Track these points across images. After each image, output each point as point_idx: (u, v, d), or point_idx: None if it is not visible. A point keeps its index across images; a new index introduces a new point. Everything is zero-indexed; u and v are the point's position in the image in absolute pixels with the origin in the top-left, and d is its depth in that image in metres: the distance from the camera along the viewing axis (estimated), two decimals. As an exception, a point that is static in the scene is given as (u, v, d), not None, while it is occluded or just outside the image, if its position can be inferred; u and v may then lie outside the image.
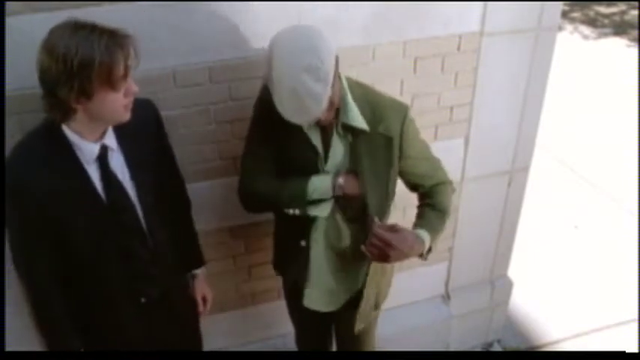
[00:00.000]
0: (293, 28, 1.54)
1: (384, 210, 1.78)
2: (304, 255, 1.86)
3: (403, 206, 1.97)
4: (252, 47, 1.93)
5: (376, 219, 1.66)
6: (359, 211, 1.77)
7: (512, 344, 3.12)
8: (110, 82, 1.38)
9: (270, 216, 2.02)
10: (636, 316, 3.31)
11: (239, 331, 2.51)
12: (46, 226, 1.52)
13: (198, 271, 1.96)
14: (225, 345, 2.47)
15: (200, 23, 1.83)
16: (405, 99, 2.19)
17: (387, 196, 1.77)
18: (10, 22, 1.63)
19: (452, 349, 2.97)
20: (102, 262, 1.62)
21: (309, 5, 1.77)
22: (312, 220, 1.80)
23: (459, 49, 2.20)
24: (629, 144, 4.98)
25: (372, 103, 1.70)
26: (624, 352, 3.05)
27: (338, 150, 1.72)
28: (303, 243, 1.84)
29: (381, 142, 1.70)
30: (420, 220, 1.79)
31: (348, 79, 1.71)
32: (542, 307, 3.37)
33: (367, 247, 1.63)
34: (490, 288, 2.89)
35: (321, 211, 1.76)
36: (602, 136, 5.14)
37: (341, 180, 1.71)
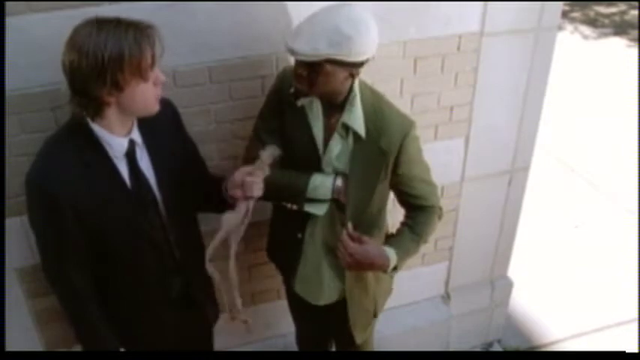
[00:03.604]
0: (360, 9, 1.56)
1: (360, 217, 1.78)
2: (299, 247, 1.88)
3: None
4: (252, 47, 1.93)
5: (350, 225, 1.68)
6: (357, 209, 1.79)
7: (512, 344, 3.12)
8: (140, 72, 1.41)
9: (269, 216, 2.02)
10: (636, 316, 3.31)
11: (239, 331, 2.51)
12: (79, 225, 1.52)
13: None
14: (225, 345, 2.47)
15: (200, 23, 1.83)
16: (405, 99, 2.20)
17: (367, 206, 1.78)
18: (10, 22, 1.63)
19: (452, 349, 2.97)
20: (131, 258, 1.63)
21: (309, 5, 1.77)
22: (309, 213, 1.81)
23: (459, 49, 2.20)
24: (629, 144, 4.98)
25: (379, 113, 1.71)
26: (624, 352, 3.05)
27: (335, 148, 1.73)
28: (299, 235, 1.86)
29: (376, 153, 1.71)
30: (395, 239, 1.83)
31: (363, 84, 1.73)
32: (542, 307, 3.37)
33: (337, 251, 1.69)
34: (490, 288, 2.89)
35: (318, 210, 1.77)
36: (602, 136, 5.14)
37: (339, 183, 1.73)
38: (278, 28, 1.92)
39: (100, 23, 1.38)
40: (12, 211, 1.87)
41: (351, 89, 1.67)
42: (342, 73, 1.58)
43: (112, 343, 1.67)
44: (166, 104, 1.64)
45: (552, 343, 3.18)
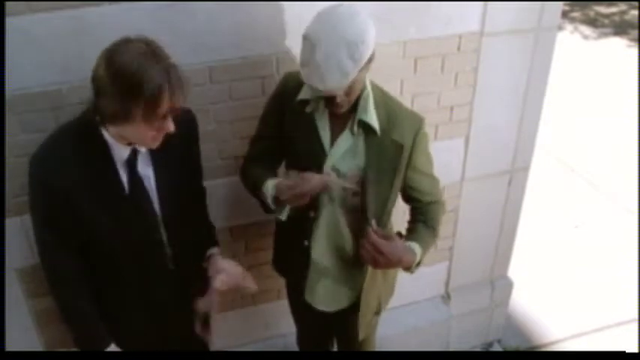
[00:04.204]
0: (349, 4, 1.55)
1: (381, 215, 1.78)
2: (306, 254, 1.86)
3: (403, 211, 1.98)
4: (252, 48, 1.93)
5: (373, 222, 1.68)
6: (359, 214, 1.78)
7: (512, 344, 3.12)
8: (149, 119, 1.41)
9: (269, 216, 2.02)
10: (636, 316, 3.31)
11: (239, 331, 2.51)
12: (76, 220, 1.52)
13: (214, 250, 1.83)
14: (226, 345, 2.47)
15: (200, 23, 1.83)
16: (405, 99, 2.20)
17: (387, 202, 1.78)
18: (10, 22, 1.63)
19: (452, 349, 2.97)
20: (127, 258, 1.64)
21: (309, 5, 1.77)
22: (314, 220, 1.81)
23: (459, 49, 2.20)
24: (629, 144, 4.98)
25: (389, 109, 1.72)
26: (624, 352, 3.05)
27: (343, 146, 1.72)
28: (305, 243, 1.84)
29: (391, 148, 1.71)
30: (413, 234, 1.82)
31: (371, 82, 1.73)
32: (542, 307, 3.37)
33: (360, 249, 1.67)
34: (490, 288, 2.89)
35: (280, 214, 1.75)
36: (602, 136, 5.14)
37: (272, 192, 1.70)
38: (278, 28, 1.92)
39: (145, 53, 1.37)
40: (12, 211, 1.87)
41: (363, 87, 1.68)
42: (365, 72, 1.60)
43: (103, 341, 1.67)
44: (188, 115, 1.65)
45: (552, 343, 3.18)
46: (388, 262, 1.67)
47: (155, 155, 1.59)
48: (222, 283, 1.69)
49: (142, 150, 1.57)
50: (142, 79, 1.34)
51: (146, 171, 1.60)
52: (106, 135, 1.49)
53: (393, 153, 1.72)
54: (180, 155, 1.66)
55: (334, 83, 1.51)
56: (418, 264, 1.79)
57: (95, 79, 1.38)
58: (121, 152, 1.53)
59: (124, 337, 1.72)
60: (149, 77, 1.35)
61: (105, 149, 1.51)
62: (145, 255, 1.66)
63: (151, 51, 1.38)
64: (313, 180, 1.61)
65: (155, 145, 1.51)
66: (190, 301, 1.79)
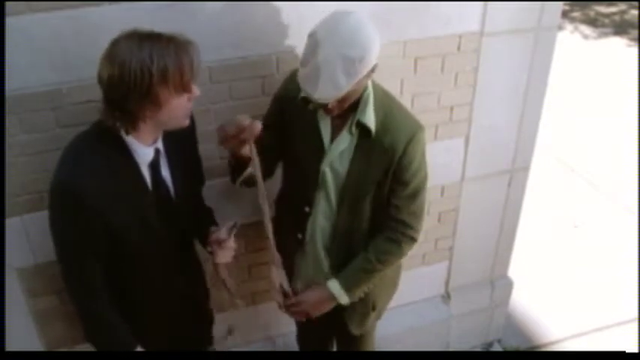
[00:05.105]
0: (356, 13, 1.53)
1: (353, 219, 1.79)
2: (300, 247, 1.89)
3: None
4: (252, 47, 1.93)
5: (286, 284, 1.86)
6: (351, 210, 1.80)
7: (512, 344, 3.13)
8: (182, 86, 1.41)
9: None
10: (636, 316, 3.31)
11: (239, 331, 2.51)
12: (103, 229, 1.51)
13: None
14: (226, 345, 2.47)
15: (200, 23, 1.83)
16: (405, 99, 2.20)
17: (361, 205, 1.78)
18: (10, 22, 1.63)
19: (452, 349, 2.97)
20: (147, 259, 1.65)
21: (309, 5, 1.77)
22: (308, 216, 1.83)
23: (459, 49, 2.20)
24: (629, 144, 4.98)
25: (387, 112, 1.71)
26: (624, 352, 3.06)
27: (340, 145, 1.72)
28: (299, 235, 1.87)
29: (379, 151, 1.70)
30: (344, 270, 1.84)
31: (375, 83, 1.72)
32: (542, 307, 3.37)
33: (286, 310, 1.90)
34: (490, 288, 2.89)
35: (240, 178, 1.74)
36: (602, 136, 5.14)
37: None
38: (278, 28, 1.92)
39: (141, 37, 1.37)
40: (12, 211, 1.87)
41: (365, 88, 1.67)
42: (364, 81, 1.58)
43: (130, 344, 1.67)
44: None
45: (552, 343, 3.18)
46: (309, 311, 1.86)
47: (170, 155, 1.62)
48: (219, 258, 1.72)
49: (162, 150, 1.58)
50: (163, 58, 1.35)
51: (165, 171, 1.62)
52: (129, 140, 1.49)
53: (378, 156, 1.71)
54: (189, 151, 1.71)
55: (326, 94, 1.50)
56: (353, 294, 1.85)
57: (114, 88, 1.37)
58: (144, 154, 1.53)
59: (146, 334, 1.71)
60: (166, 53, 1.36)
61: (129, 155, 1.51)
62: (165, 248, 1.67)
63: (146, 35, 1.38)
64: (241, 120, 1.55)
65: (187, 121, 1.52)
66: (195, 300, 1.85)
